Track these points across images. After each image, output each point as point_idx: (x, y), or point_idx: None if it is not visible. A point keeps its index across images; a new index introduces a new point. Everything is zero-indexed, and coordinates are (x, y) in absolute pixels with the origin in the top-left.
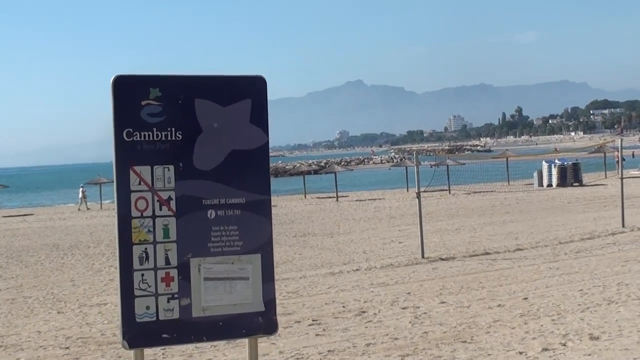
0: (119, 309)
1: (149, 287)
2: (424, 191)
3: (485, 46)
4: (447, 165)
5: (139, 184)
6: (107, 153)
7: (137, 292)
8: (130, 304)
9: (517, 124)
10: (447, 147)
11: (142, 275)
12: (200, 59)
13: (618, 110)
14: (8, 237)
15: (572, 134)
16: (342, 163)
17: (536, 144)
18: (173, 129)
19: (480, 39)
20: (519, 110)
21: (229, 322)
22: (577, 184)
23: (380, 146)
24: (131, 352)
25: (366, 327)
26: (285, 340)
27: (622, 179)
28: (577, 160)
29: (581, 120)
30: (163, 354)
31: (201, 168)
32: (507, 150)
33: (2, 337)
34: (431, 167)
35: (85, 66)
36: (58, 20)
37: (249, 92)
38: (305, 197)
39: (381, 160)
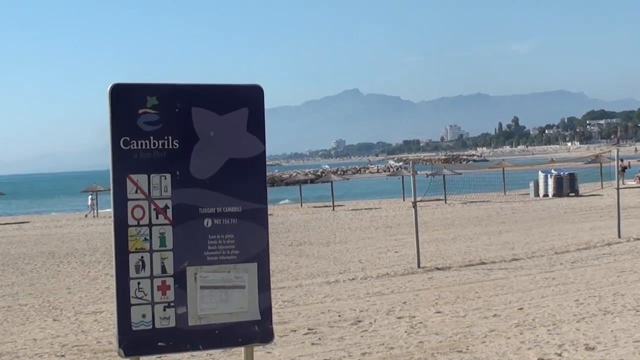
0: (115, 317)
1: (145, 295)
2: (420, 201)
3: (482, 56)
4: (444, 175)
5: (136, 192)
6: (103, 161)
7: (133, 301)
8: (126, 312)
9: (513, 134)
10: (443, 157)
11: (139, 283)
12: (197, 67)
13: (615, 120)
14: (4, 245)
15: (569, 144)
16: (339, 172)
17: (532, 154)
18: (170, 138)
19: (477, 48)
20: (516, 120)
21: (225, 330)
22: (573, 194)
23: (377, 155)
24: None
25: (362, 337)
26: (281, 349)
27: (618, 189)
28: (573, 170)
29: (578, 130)
30: None
31: (198, 177)
32: (503, 160)
33: None
34: (427, 176)
35: (84, 74)
36: (56, 27)
37: (246, 101)
38: (301, 206)
39: (377, 170)
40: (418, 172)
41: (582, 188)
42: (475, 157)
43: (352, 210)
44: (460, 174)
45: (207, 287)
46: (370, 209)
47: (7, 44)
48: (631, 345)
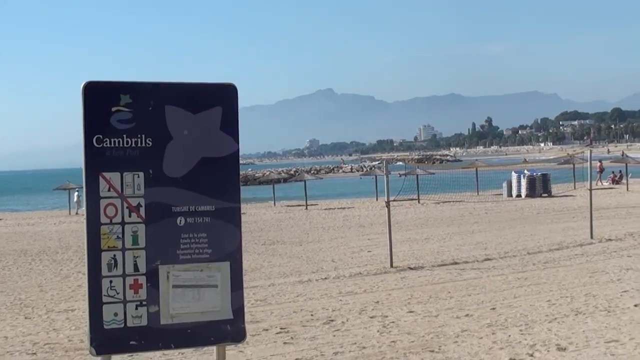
0: (87, 315)
1: (117, 293)
2: (394, 200)
3: (456, 56)
4: (417, 175)
5: (109, 190)
6: (78, 159)
7: (105, 299)
8: (98, 311)
9: (487, 134)
10: (416, 157)
11: (111, 281)
12: (168, 65)
13: (587, 121)
14: None
15: (542, 144)
16: (312, 171)
17: (506, 155)
18: (143, 136)
19: (451, 49)
20: (489, 120)
21: (197, 329)
22: (546, 194)
23: (350, 155)
24: (98, 359)
25: (334, 336)
26: (253, 348)
27: (590, 190)
28: (546, 171)
29: (551, 131)
30: None
31: (171, 175)
32: (476, 160)
33: None
34: (400, 176)
35: (58, 72)
36: (31, 25)
37: (219, 99)
38: (274, 205)
39: (351, 169)
40: (391, 171)
41: (555, 189)
42: (448, 157)
43: (326, 209)
44: (433, 173)
45: (179, 286)
46: (344, 208)
47: None
48: (602, 346)
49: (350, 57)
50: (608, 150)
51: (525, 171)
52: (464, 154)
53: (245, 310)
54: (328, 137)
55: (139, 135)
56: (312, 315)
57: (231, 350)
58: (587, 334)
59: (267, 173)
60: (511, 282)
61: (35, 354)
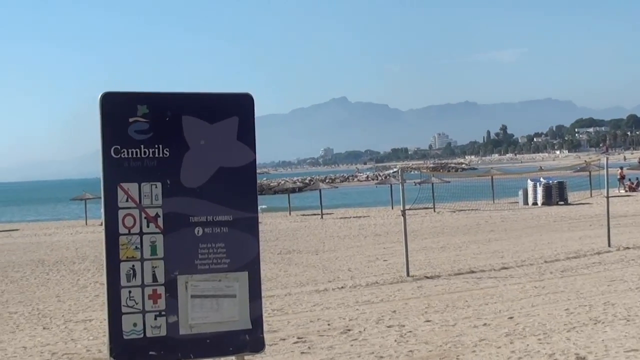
0: (107, 325)
1: (137, 304)
2: (409, 209)
3: (470, 64)
4: (432, 183)
5: (127, 200)
6: (89, 169)
7: (124, 309)
8: (117, 321)
9: (502, 142)
10: (431, 165)
11: (130, 292)
12: (184, 76)
13: (603, 128)
14: None
15: (557, 152)
16: (327, 180)
17: (521, 162)
18: (160, 146)
19: (465, 56)
20: (504, 128)
21: (216, 339)
22: (562, 202)
23: (365, 163)
24: None
25: (351, 346)
26: (271, 358)
27: (608, 197)
28: (562, 179)
29: (566, 138)
30: None
31: (188, 185)
32: (491, 168)
33: None
34: (415, 184)
35: (71, 82)
36: (45, 32)
37: (236, 109)
38: (290, 214)
39: (367, 178)
40: (407, 180)
41: (572, 196)
42: (463, 165)
43: (341, 218)
44: (449, 182)
45: (198, 296)
46: (359, 217)
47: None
48: (622, 355)
49: (363, 65)
50: (624, 157)
51: (542, 179)
52: (479, 161)
53: (263, 319)
54: (342, 146)
55: (157, 146)
56: (329, 324)
57: None
58: (607, 343)
59: (282, 182)
60: (529, 291)
61: None
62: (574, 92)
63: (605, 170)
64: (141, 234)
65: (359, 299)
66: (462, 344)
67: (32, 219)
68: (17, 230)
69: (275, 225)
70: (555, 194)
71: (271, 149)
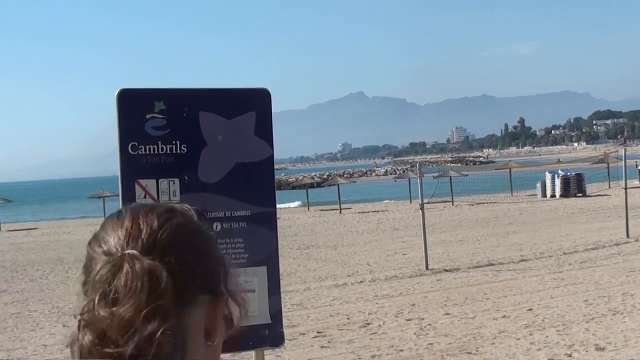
0: None
1: None
2: (428, 203)
3: (487, 58)
4: (450, 177)
5: (145, 197)
6: (108, 167)
7: None
8: None
9: (519, 135)
10: (449, 159)
11: None
12: (199, 72)
13: (621, 120)
14: (13, 251)
15: (575, 144)
16: (345, 175)
17: (539, 155)
18: (178, 142)
19: (482, 50)
20: (522, 121)
21: (235, 334)
22: (580, 194)
23: (383, 158)
24: None
25: (371, 339)
26: (291, 352)
27: (626, 189)
28: (580, 171)
29: (584, 130)
30: None
31: (206, 181)
32: (510, 161)
33: (8, 351)
34: (434, 178)
35: (91, 80)
36: (64, 33)
37: (253, 104)
38: (308, 209)
39: (386, 172)
40: (425, 174)
41: (590, 188)
42: (481, 158)
43: (359, 213)
44: (467, 175)
45: None
46: (378, 211)
47: (14, 47)
48: None
49: (380, 60)
50: None
51: (559, 171)
52: (497, 155)
53: (282, 314)
54: (360, 141)
55: (174, 142)
56: (348, 318)
57: (269, 354)
58: (626, 334)
59: (300, 178)
60: (547, 283)
61: None
62: (591, 84)
63: (623, 161)
64: None
65: (378, 292)
66: (481, 336)
67: (50, 217)
68: (35, 229)
69: (293, 221)
70: (574, 186)
71: (289, 144)
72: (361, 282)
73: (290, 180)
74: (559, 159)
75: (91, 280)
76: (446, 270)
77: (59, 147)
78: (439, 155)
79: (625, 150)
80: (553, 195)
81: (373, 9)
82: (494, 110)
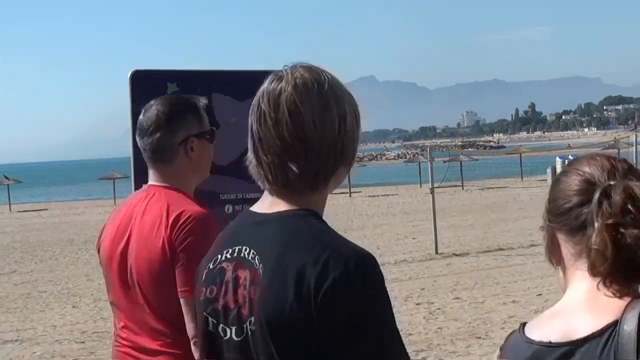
0: None
1: None
2: (438, 187)
3: (499, 42)
4: (461, 161)
5: None
6: (126, 149)
7: None
8: None
9: (530, 120)
10: (460, 143)
11: None
12: (210, 55)
13: (632, 106)
14: (23, 232)
15: (586, 130)
16: (355, 159)
17: (549, 140)
18: None
19: (494, 34)
20: (532, 106)
21: None
22: None
23: (393, 142)
24: None
25: None
26: None
27: None
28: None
29: (595, 116)
30: None
31: (218, 163)
32: (520, 146)
33: (18, 332)
34: (444, 162)
35: (107, 61)
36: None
37: None
38: None
39: (398, 156)
40: (435, 158)
41: None
42: (492, 143)
43: (369, 196)
44: (477, 159)
45: None
46: (387, 195)
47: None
48: None
49: (391, 44)
50: None
51: (570, 156)
52: (507, 140)
53: None
54: (370, 125)
55: None
56: None
57: None
58: None
59: None
60: None
61: (83, 342)
62: (602, 69)
63: (634, 147)
64: None
65: (388, 276)
66: (490, 320)
67: (61, 198)
68: (46, 210)
69: None
70: None
71: None
72: None
73: None
74: (569, 144)
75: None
76: (456, 255)
77: (73, 126)
78: (449, 140)
79: (636, 136)
80: None
81: None
82: (504, 95)
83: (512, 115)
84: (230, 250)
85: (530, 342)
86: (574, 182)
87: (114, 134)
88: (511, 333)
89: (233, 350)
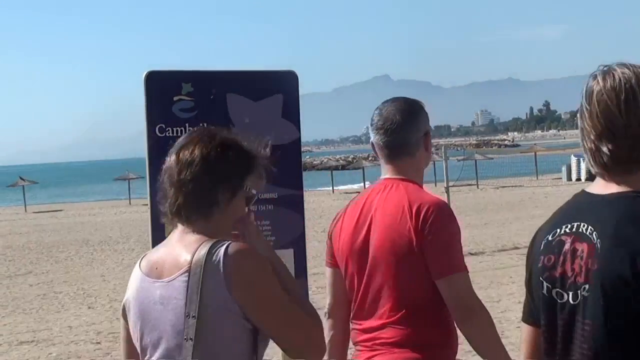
0: None
1: None
2: (452, 186)
3: (513, 41)
4: (475, 160)
5: None
6: (140, 148)
7: None
8: None
9: (545, 118)
10: (474, 142)
11: None
12: (225, 55)
13: None
14: (38, 233)
15: None
16: (370, 158)
17: (564, 138)
18: (205, 124)
19: (508, 33)
20: (547, 104)
21: None
22: None
23: None
24: None
25: None
26: None
27: None
28: None
29: None
30: None
31: None
32: (535, 144)
33: (34, 332)
34: (458, 161)
35: (120, 62)
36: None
37: (280, 87)
38: (333, 192)
39: None
40: (450, 157)
41: None
42: (506, 141)
43: None
44: (492, 158)
45: None
46: None
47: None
48: None
49: (405, 43)
50: None
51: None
52: (522, 138)
53: (309, 297)
54: None
55: (201, 124)
56: None
57: None
58: None
59: (325, 160)
60: None
61: (99, 343)
62: None
63: None
64: None
65: None
66: (506, 319)
67: (76, 199)
68: (61, 210)
69: (318, 204)
70: None
71: (314, 127)
72: None
73: (315, 162)
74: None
75: None
76: (471, 254)
77: (92, 126)
78: (463, 139)
79: None
80: (578, 179)
81: None
82: (519, 93)
83: (526, 113)
84: (570, 226)
85: None
86: None
87: (121, 134)
88: None
89: (566, 312)
